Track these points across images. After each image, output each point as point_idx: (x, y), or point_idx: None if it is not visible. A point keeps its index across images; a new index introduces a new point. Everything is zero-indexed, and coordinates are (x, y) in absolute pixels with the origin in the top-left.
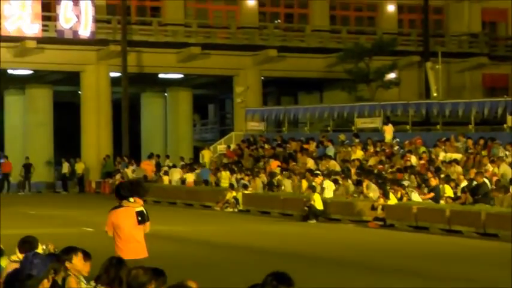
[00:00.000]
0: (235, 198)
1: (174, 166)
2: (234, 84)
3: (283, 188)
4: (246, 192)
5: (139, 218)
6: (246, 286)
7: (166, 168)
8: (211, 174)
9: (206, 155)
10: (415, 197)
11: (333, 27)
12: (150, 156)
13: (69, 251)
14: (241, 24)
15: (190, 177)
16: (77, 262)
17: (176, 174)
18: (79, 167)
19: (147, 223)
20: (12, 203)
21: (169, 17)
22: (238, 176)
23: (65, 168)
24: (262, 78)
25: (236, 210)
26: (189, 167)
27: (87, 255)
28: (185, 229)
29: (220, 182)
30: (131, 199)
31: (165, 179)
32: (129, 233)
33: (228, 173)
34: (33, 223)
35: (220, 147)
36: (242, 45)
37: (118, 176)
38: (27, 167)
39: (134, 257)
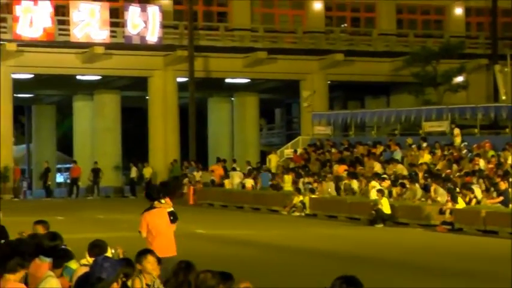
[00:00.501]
0: (302, 202)
1: (234, 169)
2: (300, 88)
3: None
4: (313, 196)
5: (172, 218)
6: None
7: (232, 172)
8: (277, 177)
9: (273, 160)
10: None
11: (399, 30)
12: (219, 161)
13: (140, 254)
14: (308, 29)
15: (248, 182)
16: (147, 264)
17: (236, 178)
18: (147, 172)
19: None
20: (80, 207)
21: (236, 22)
22: (305, 180)
23: (133, 172)
24: (329, 82)
25: (303, 214)
26: (256, 172)
27: (159, 259)
28: (252, 233)
29: (284, 186)
30: (162, 200)
31: (226, 182)
32: (163, 231)
33: (290, 176)
34: (102, 227)
35: (287, 151)
36: (308, 49)
37: (185, 180)
38: (96, 172)
39: (165, 254)
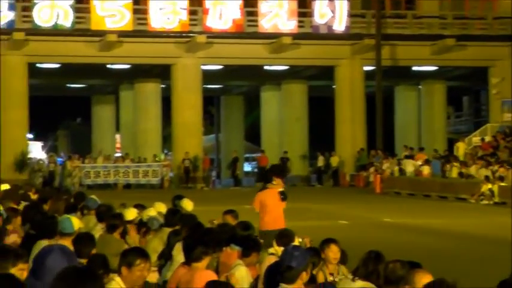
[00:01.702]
0: (490, 190)
1: (407, 157)
2: (489, 75)
3: None
4: (502, 184)
5: (282, 196)
6: (495, 280)
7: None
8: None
9: (461, 148)
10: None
11: None
12: (422, 149)
13: (323, 243)
14: (498, 14)
15: (426, 170)
16: (329, 253)
17: (410, 166)
18: (334, 161)
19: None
20: None
21: (425, 9)
22: (494, 168)
23: (320, 161)
24: None
25: (491, 202)
26: (444, 160)
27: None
28: (439, 222)
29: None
30: (274, 182)
31: (396, 170)
32: (274, 208)
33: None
34: (289, 216)
35: (475, 139)
36: (498, 35)
37: (372, 169)
38: (285, 161)
39: (274, 227)
